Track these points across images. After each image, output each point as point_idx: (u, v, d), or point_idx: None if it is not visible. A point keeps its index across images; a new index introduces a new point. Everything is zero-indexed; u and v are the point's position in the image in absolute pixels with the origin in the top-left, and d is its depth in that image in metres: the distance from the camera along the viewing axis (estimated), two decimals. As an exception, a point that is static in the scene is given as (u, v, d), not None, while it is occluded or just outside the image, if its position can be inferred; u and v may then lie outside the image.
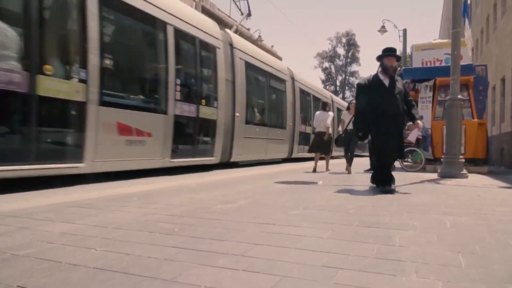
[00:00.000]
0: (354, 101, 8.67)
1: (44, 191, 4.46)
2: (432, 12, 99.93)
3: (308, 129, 15.71)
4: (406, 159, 9.65)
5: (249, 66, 10.93)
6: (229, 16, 25.99)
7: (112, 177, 5.99)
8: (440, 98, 9.59)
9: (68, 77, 5.28)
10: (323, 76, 60.28)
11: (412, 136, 9.02)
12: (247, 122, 10.73)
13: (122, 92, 6.41)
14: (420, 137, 9.23)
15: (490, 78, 11.86)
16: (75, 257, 1.84)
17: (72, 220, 2.68)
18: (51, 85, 4.93)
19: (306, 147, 12.68)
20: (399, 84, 4.92)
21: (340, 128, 9.04)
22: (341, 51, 59.61)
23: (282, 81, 13.66)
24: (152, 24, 7.10)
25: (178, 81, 7.52)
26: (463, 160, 7.24)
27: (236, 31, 13.00)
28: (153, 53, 7.45)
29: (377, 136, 4.90)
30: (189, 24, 8.01)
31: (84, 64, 5.43)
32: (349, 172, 8.11)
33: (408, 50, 17.07)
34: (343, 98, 46.70)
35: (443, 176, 6.87)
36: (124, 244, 2.08)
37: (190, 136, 8.18)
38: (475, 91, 9.35)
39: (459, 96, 7.23)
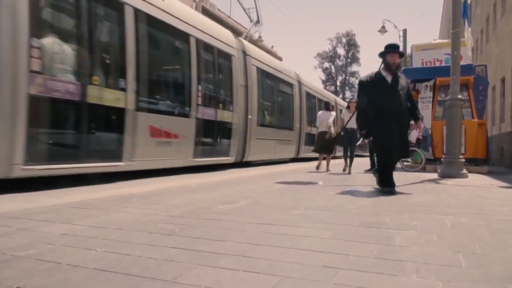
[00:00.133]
0: (353, 100, 8.71)
1: (46, 192, 4.46)
2: (432, 12, 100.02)
3: (314, 130, 16.05)
4: (406, 159, 9.64)
5: (260, 71, 11.63)
6: (229, 17, 26.00)
7: (119, 177, 6.03)
8: (440, 98, 9.59)
9: (111, 86, 5.94)
10: (323, 76, 60.22)
11: (412, 136, 9.02)
12: (259, 124, 11.37)
13: (153, 98, 7.10)
14: (420, 137, 9.23)
15: (490, 78, 11.86)
16: (75, 258, 1.84)
17: (73, 221, 2.68)
18: (98, 94, 5.61)
19: (312, 147, 13.32)
20: (402, 81, 4.75)
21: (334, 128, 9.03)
22: (341, 51, 59.58)
23: (290, 85, 14.38)
24: (178, 37, 7.90)
25: (200, 87, 8.20)
26: (463, 160, 7.24)
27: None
28: (179, 63, 8.21)
29: (379, 135, 4.72)
30: (209, 35, 8.78)
31: (123, 75, 6.13)
32: (349, 173, 8.09)
33: (408, 50, 17.05)
34: (343, 98, 46.66)
35: (443, 176, 6.87)
36: (125, 245, 2.08)
37: (210, 137, 8.87)
38: (475, 91, 9.35)
39: (459, 96, 7.23)
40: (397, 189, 4.60)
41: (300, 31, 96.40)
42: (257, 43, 22.10)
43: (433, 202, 3.94)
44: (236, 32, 15.51)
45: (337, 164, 11.01)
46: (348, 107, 8.74)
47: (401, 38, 20.26)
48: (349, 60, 59.59)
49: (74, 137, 5.48)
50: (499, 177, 7.39)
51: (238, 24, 26.87)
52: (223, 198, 3.93)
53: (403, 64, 18.48)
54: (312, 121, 16.29)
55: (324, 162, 8.93)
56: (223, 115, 9.15)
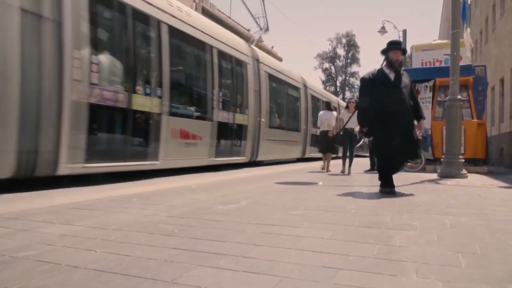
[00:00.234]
0: (352, 100, 8.71)
1: (46, 192, 4.46)
2: (432, 12, 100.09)
3: (319, 132, 16.27)
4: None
5: (271, 77, 12.48)
6: (229, 17, 26.01)
7: (118, 178, 6.02)
8: (440, 99, 9.59)
9: (150, 94, 6.80)
10: (323, 77, 60.25)
11: (413, 136, 9.01)
12: (269, 126, 12.12)
13: (182, 104, 8.04)
14: (420, 137, 9.22)
15: (489, 79, 11.86)
16: (75, 258, 1.84)
17: (72, 222, 2.68)
18: (140, 101, 6.53)
19: (317, 148, 13.86)
20: (405, 78, 4.60)
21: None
22: (341, 51, 59.56)
23: (296, 88, 15.19)
24: (202, 48, 8.76)
25: (220, 93, 9.22)
26: (463, 160, 7.25)
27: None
28: (203, 71, 8.96)
29: (379, 135, 4.62)
30: (227, 45, 9.69)
31: (160, 84, 7.02)
32: (349, 173, 8.06)
33: (408, 51, 17.06)
34: (343, 99, 46.67)
35: (443, 176, 6.87)
36: (124, 246, 2.08)
37: (227, 138, 9.74)
38: (474, 92, 9.35)
39: (459, 97, 7.24)
40: (397, 189, 4.60)
41: (300, 31, 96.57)
42: (257, 44, 22.12)
43: (433, 202, 3.93)
44: (236, 33, 15.59)
45: (337, 164, 11.00)
46: (347, 107, 8.68)
47: (401, 39, 20.26)
48: (349, 60, 59.60)
49: (121, 139, 6.31)
50: (499, 177, 7.39)
51: (238, 24, 26.88)
52: (223, 198, 3.93)
53: (403, 64, 18.49)
54: (317, 123, 16.67)
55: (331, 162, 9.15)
56: (238, 118, 10.08)
